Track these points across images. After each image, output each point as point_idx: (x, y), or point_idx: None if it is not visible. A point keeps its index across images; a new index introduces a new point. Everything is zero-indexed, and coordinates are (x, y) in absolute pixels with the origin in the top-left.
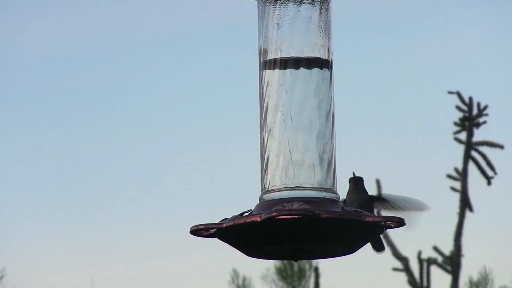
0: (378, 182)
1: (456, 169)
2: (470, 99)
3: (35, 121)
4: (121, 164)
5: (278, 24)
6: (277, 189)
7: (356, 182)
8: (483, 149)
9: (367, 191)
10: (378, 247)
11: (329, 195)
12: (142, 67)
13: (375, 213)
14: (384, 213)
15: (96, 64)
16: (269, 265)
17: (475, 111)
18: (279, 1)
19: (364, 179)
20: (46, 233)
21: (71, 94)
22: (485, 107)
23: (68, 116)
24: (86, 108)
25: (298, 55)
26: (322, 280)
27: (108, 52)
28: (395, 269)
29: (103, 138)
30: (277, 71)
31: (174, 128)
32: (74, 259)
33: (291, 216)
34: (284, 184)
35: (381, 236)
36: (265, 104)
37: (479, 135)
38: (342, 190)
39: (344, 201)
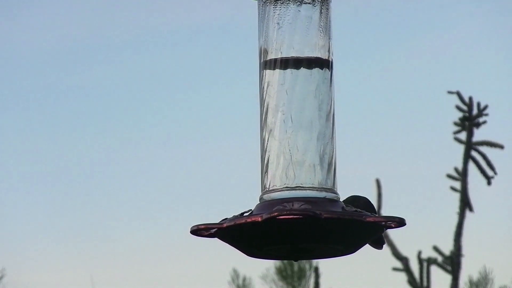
0: (378, 182)
1: (456, 169)
2: (470, 99)
3: (34, 120)
4: (120, 163)
5: (278, 24)
6: (277, 189)
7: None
8: (483, 149)
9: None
10: (379, 243)
11: (329, 195)
12: (141, 67)
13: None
14: None
15: (95, 63)
16: (269, 265)
17: (475, 111)
18: (279, 1)
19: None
20: (46, 233)
21: (70, 94)
22: (485, 107)
23: (67, 115)
24: (85, 108)
25: (298, 55)
26: (322, 280)
27: (106, 52)
28: (395, 269)
29: (103, 138)
30: (277, 71)
31: (174, 128)
32: (74, 259)
33: (292, 216)
34: (284, 184)
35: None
36: (265, 104)
37: (479, 135)
38: (342, 190)
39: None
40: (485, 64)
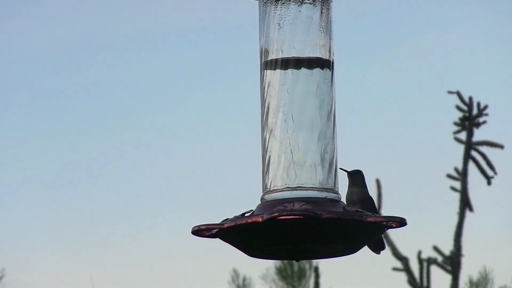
0: (378, 182)
1: (456, 169)
2: (470, 99)
3: (34, 121)
4: (121, 164)
5: (279, 24)
6: (278, 189)
7: (353, 176)
8: (483, 149)
9: (366, 184)
10: (378, 247)
11: (330, 195)
12: (142, 67)
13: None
14: None
15: (95, 63)
16: (269, 265)
17: (475, 111)
18: (280, 1)
19: (362, 172)
20: (46, 233)
21: (70, 94)
22: (485, 107)
23: (67, 115)
24: (85, 108)
25: (299, 55)
26: (322, 280)
27: (106, 52)
28: (395, 269)
29: (103, 139)
30: (278, 71)
31: (175, 129)
32: (74, 259)
33: (292, 217)
34: (285, 184)
35: (382, 236)
36: (266, 104)
37: (479, 135)
38: (343, 190)
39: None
40: (485, 64)
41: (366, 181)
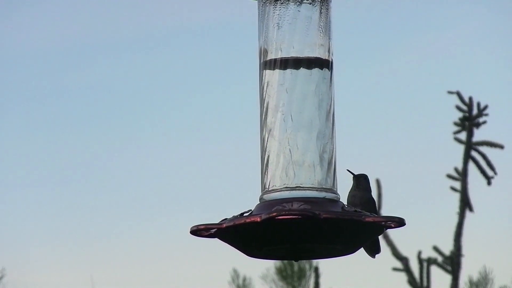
0: (378, 182)
1: (456, 169)
2: (470, 99)
3: (34, 121)
4: (121, 164)
5: (278, 24)
6: (277, 189)
7: (358, 180)
8: (483, 149)
9: (371, 189)
10: (374, 250)
11: (329, 195)
12: (141, 67)
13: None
14: None
15: (94, 63)
16: (269, 265)
17: (475, 111)
18: (279, 1)
19: (367, 177)
20: (46, 233)
21: (70, 94)
22: (485, 107)
23: (67, 116)
24: (85, 108)
25: (298, 55)
26: (322, 280)
27: (106, 52)
28: (395, 269)
29: (103, 139)
30: (277, 71)
31: (174, 128)
32: (74, 259)
33: (291, 216)
34: (284, 184)
35: (381, 236)
36: (265, 104)
37: (479, 135)
38: (343, 190)
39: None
40: (485, 64)
41: (370, 185)
